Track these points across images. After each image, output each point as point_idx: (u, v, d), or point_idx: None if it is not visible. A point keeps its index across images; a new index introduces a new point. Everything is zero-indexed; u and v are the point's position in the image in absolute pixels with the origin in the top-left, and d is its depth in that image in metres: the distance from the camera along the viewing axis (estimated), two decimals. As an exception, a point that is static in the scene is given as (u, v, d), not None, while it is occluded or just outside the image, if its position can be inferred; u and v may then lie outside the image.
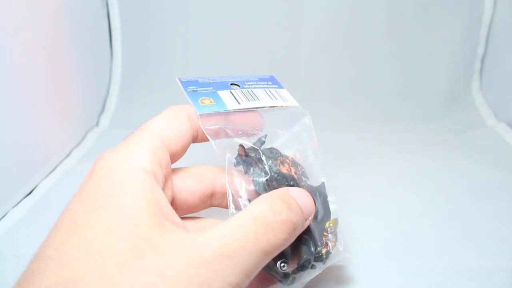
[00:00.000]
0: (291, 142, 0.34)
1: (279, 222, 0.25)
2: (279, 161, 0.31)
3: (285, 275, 0.29)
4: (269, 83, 0.36)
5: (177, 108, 0.30)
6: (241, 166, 0.32)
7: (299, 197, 0.28)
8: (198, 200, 0.31)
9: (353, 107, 0.73)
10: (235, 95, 0.33)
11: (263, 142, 0.32)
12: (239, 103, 0.33)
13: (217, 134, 0.31)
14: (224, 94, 0.33)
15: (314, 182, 0.34)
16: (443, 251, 0.40)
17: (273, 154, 0.31)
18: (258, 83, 0.36)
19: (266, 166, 0.31)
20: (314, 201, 0.30)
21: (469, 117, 0.72)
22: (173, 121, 0.29)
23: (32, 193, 0.50)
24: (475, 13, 0.74)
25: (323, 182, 0.34)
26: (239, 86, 0.35)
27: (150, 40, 0.77)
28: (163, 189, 0.27)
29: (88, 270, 0.21)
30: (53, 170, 0.55)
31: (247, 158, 0.32)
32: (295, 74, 0.75)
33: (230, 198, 0.30)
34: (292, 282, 0.30)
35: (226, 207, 0.32)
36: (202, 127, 0.30)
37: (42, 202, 0.49)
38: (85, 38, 0.69)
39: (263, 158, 0.31)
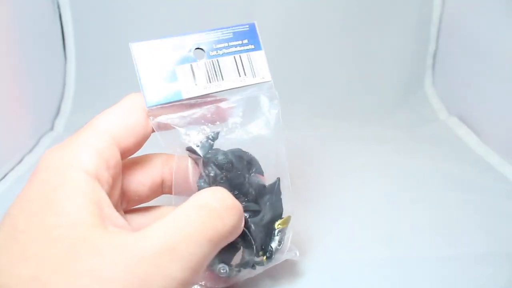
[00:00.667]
0: (253, 136, 0.32)
1: (226, 208, 0.25)
2: (225, 168, 0.30)
3: (226, 278, 0.29)
4: (244, 41, 0.32)
5: (134, 97, 0.29)
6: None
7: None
8: (148, 190, 0.31)
9: (308, 105, 0.73)
10: (195, 72, 0.30)
11: (212, 144, 0.30)
12: (197, 86, 0.30)
13: (167, 128, 0.29)
14: (181, 72, 0.30)
15: (271, 178, 0.33)
16: (397, 244, 0.41)
17: (222, 158, 0.30)
18: (230, 44, 0.32)
19: (211, 175, 0.29)
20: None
21: (422, 112, 0.74)
22: (128, 114, 0.28)
23: (-18, 201, 0.49)
24: (425, 10, 0.76)
25: (278, 179, 0.33)
26: (203, 51, 0.31)
27: (104, 41, 0.76)
28: (111, 189, 0.26)
29: (20, 276, 0.20)
30: (3, 177, 0.53)
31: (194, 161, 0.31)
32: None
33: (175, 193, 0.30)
34: (234, 279, 0.30)
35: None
36: (150, 122, 0.29)
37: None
38: (36, 41, 0.67)
39: (207, 169, 0.30)
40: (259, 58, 0.33)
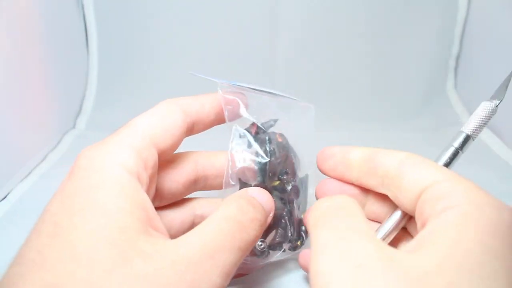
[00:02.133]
0: (292, 129, 0.35)
1: (248, 220, 0.26)
2: (281, 148, 0.33)
3: (262, 252, 0.31)
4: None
5: (170, 102, 0.30)
6: (245, 139, 0.32)
7: (258, 196, 0.29)
8: (182, 187, 0.32)
9: (331, 106, 0.73)
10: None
11: (272, 125, 0.33)
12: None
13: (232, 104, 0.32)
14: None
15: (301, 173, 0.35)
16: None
17: (278, 140, 0.33)
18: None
19: (268, 149, 0.32)
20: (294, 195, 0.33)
21: (445, 115, 0.73)
22: (165, 117, 0.28)
23: (7, 197, 0.49)
24: (450, 12, 0.75)
25: (307, 174, 0.35)
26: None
27: (126, 41, 0.76)
28: (147, 191, 0.26)
29: (74, 275, 0.20)
30: (28, 174, 0.54)
31: (255, 136, 0.33)
32: (273, 73, 0.75)
33: (229, 166, 0.32)
34: (267, 257, 0.32)
35: (210, 188, 0.33)
36: (220, 93, 0.31)
37: (17, 206, 0.48)
38: (60, 40, 0.67)
39: (267, 141, 0.32)
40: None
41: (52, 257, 0.21)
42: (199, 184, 0.33)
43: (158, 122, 0.28)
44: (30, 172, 0.55)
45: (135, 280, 0.20)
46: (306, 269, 0.31)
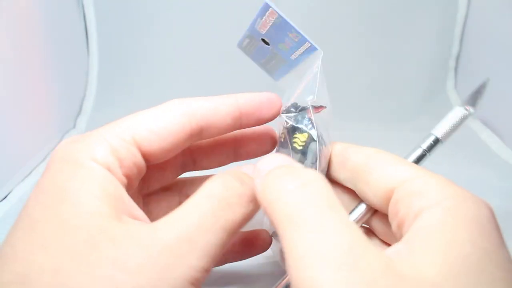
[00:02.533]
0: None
1: (233, 197, 0.24)
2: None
3: None
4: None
5: (174, 102, 0.28)
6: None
7: (252, 172, 0.26)
8: (169, 174, 0.31)
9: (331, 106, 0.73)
10: None
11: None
12: None
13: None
14: None
15: None
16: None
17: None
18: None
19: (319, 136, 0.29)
20: None
21: (444, 115, 0.73)
22: (157, 118, 0.27)
23: (7, 197, 0.49)
24: (450, 12, 0.75)
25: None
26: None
27: (126, 41, 0.76)
28: (126, 187, 0.25)
29: (43, 265, 0.20)
30: (28, 175, 0.54)
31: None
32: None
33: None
34: None
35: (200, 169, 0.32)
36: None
37: (17, 206, 0.48)
38: (61, 40, 0.67)
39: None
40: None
41: (23, 250, 0.21)
42: (187, 167, 0.32)
43: (146, 122, 0.26)
44: (30, 172, 0.55)
45: (104, 265, 0.20)
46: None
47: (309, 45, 0.32)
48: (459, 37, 0.76)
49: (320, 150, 0.29)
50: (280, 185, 0.22)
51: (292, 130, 0.30)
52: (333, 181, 0.30)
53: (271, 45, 0.33)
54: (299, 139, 0.29)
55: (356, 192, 0.28)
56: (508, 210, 0.46)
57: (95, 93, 0.75)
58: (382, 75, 0.77)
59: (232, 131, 0.30)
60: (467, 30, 0.75)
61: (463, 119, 0.32)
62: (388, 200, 0.25)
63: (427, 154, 0.30)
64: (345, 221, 0.20)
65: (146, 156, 0.26)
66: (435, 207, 0.21)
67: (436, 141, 0.31)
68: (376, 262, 0.18)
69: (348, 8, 0.74)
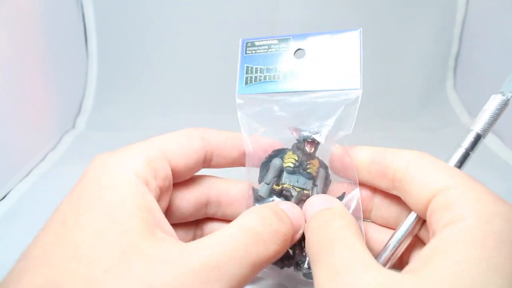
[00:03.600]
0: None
1: (269, 232, 0.25)
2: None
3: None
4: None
5: (192, 128, 0.30)
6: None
7: (289, 210, 0.27)
8: (192, 208, 0.31)
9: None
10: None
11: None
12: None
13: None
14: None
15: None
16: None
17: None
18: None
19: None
20: None
21: (444, 115, 0.73)
22: (182, 138, 0.29)
23: (6, 197, 0.49)
24: (449, 12, 0.75)
25: (344, 193, 0.32)
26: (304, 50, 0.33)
27: (125, 42, 0.76)
28: (158, 200, 0.26)
29: (74, 272, 0.20)
30: (27, 174, 0.54)
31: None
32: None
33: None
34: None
35: (220, 218, 0.32)
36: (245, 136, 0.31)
37: (16, 206, 0.48)
38: (60, 40, 0.67)
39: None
40: (353, 58, 0.32)
41: (55, 255, 0.21)
42: (210, 208, 0.32)
43: (174, 140, 0.28)
44: (29, 172, 0.55)
45: (132, 279, 0.20)
46: None
47: None
48: (458, 37, 0.76)
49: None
50: (312, 233, 0.26)
51: (308, 156, 0.31)
52: (372, 189, 0.30)
53: None
54: (314, 165, 0.31)
55: (404, 201, 0.27)
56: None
57: (94, 93, 0.75)
58: (381, 75, 0.77)
59: (237, 165, 0.32)
60: (466, 30, 0.75)
61: (503, 106, 0.28)
62: (426, 211, 0.24)
63: (470, 153, 0.27)
64: (352, 253, 0.22)
65: (173, 172, 0.28)
66: (458, 223, 0.21)
67: (478, 138, 0.27)
68: (371, 282, 0.20)
69: (347, 8, 0.74)
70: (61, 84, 0.68)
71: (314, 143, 0.31)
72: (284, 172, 0.31)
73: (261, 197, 0.31)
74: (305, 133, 0.31)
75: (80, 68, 0.75)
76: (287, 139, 0.32)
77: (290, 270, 0.31)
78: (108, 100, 0.75)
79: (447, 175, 0.24)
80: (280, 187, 0.31)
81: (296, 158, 0.31)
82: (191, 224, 0.32)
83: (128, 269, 0.21)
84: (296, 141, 0.32)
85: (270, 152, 0.32)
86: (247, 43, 0.34)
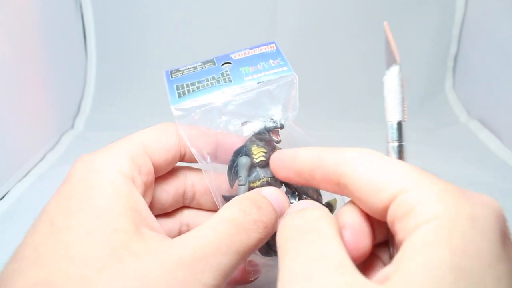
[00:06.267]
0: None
1: (249, 222, 0.25)
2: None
3: (267, 252, 0.30)
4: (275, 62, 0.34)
5: (167, 123, 0.30)
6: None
7: (271, 196, 0.28)
8: (172, 199, 0.31)
9: (329, 107, 0.73)
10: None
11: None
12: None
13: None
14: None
15: None
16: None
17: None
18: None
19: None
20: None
21: (443, 115, 0.73)
22: (160, 133, 0.29)
23: (5, 197, 0.49)
24: (448, 11, 0.75)
25: (335, 199, 0.32)
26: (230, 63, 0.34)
27: (124, 42, 0.76)
28: (143, 196, 0.26)
29: (67, 272, 0.21)
30: (26, 175, 0.54)
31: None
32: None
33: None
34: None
35: (197, 206, 0.33)
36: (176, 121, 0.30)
37: (15, 206, 0.48)
38: (59, 40, 0.67)
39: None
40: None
41: (47, 255, 0.21)
42: (186, 198, 0.33)
43: (154, 136, 0.29)
44: (28, 172, 0.55)
45: (124, 278, 0.21)
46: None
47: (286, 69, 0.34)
48: (457, 37, 0.76)
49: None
50: (286, 224, 0.24)
51: (272, 146, 0.31)
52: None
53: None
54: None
55: (357, 204, 0.24)
56: (507, 210, 0.46)
57: (93, 94, 0.75)
58: (380, 75, 0.76)
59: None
60: (465, 30, 0.76)
61: (399, 77, 0.27)
62: (385, 216, 0.22)
63: (403, 144, 0.25)
64: (327, 251, 0.21)
65: (154, 167, 0.28)
66: (423, 227, 0.20)
67: (399, 125, 0.25)
68: None
69: (346, 8, 0.74)
70: (60, 85, 0.67)
71: (278, 130, 0.31)
72: (257, 167, 0.31)
73: None
74: (269, 124, 0.31)
75: (79, 68, 0.75)
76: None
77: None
78: (107, 100, 0.75)
79: (400, 175, 0.22)
80: (259, 183, 0.31)
81: (265, 151, 0.31)
82: (169, 213, 0.33)
83: (120, 267, 0.21)
84: (253, 134, 0.31)
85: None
86: (171, 71, 0.35)
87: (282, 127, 0.31)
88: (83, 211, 0.23)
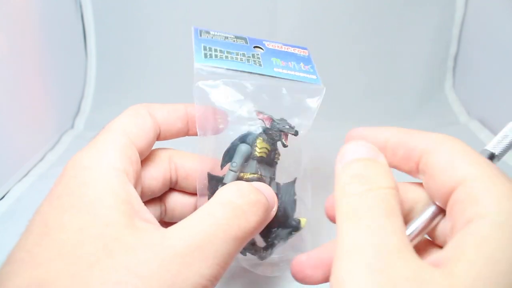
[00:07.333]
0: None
1: (249, 204, 0.25)
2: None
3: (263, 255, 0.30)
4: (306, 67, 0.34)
5: (137, 106, 0.30)
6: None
7: (261, 188, 0.27)
8: (161, 184, 0.31)
9: (329, 107, 0.73)
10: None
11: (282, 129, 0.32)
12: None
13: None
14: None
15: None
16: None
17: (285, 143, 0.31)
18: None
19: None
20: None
21: (443, 115, 0.73)
22: (136, 118, 0.29)
23: (5, 197, 0.49)
24: (448, 11, 0.75)
25: (295, 179, 0.33)
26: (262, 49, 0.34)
27: (124, 42, 0.76)
28: (135, 185, 0.26)
29: (60, 270, 0.21)
30: (26, 174, 0.54)
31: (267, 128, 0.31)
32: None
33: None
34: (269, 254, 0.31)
35: (180, 188, 0.33)
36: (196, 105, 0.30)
37: (15, 207, 0.48)
38: (59, 40, 0.67)
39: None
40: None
41: (40, 255, 0.21)
42: (171, 182, 0.32)
43: (132, 123, 0.29)
44: (28, 172, 0.55)
45: (117, 271, 0.21)
46: (331, 218, 0.28)
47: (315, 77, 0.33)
48: (457, 37, 0.76)
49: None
50: (350, 186, 0.22)
51: (275, 146, 0.32)
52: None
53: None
54: (279, 156, 0.32)
55: (425, 187, 0.25)
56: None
57: (93, 94, 0.75)
58: (380, 75, 0.76)
59: (185, 135, 0.32)
60: (465, 30, 0.75)
61: None
62: (447, 200, 0.23)
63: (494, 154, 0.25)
64: (393, 229, 0.20)
65: (138, 153, 0.28)
66: (484, 218, 0.20)
67: (492, 157, 0.25)
68: (405, 270, 0.18)
69: (345, 8, 0.74)
70: (60, 84, 0.67)
71: (288, 135, 0.31)
72: (255, 160, 0.31)
73: (222, 185, 0.30)
74: (286, 127, 0.31)
75: (79, 68, 0.75)
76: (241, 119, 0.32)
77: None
78: (107, 100, 0.75)
79: (473, 163, 0.22)
80: (249, 176, 0.30)
81: (268, 148, 0.31)
82: (156, 198, 0.33)
83: (112, 261, 0.21)
84: (265, 128, 0.31)
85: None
86: (200, 30, 0.34)
87: (296, 134, 0.31)
88: (75, 208, 0.23)
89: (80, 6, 0.74)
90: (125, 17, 0.75)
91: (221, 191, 0.25)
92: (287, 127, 0.31)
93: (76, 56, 0.75)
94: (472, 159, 0.22)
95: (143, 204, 0.25)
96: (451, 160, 0.23)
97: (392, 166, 0.26)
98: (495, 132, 0.64)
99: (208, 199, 0.28)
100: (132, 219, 0.23)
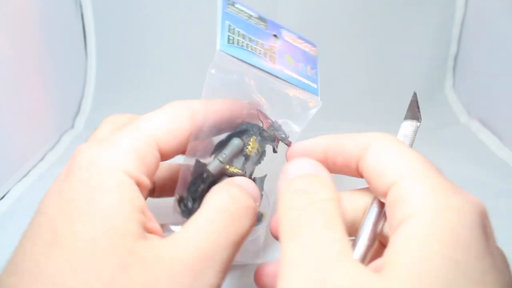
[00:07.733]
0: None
1: (241, 209, 0.25)
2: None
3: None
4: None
5: (180, 104, 0.29)
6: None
7: (245, 184, 0.27)
8: (173, 184, 0.31)
9: (328, 107, 0.73)
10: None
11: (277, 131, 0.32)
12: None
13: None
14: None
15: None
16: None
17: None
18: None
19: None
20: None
21: (443, 115, 0.73)
22: (173, 119, 0.28)
23: (5, 198, 0.49)
24: (448, 11, 0.75)
25: (265, 175, 0.33)
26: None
27: (124, 42, 0.76)
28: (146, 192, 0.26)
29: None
30: (26, 175, 0.54)
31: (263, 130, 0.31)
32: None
33: None
34: None
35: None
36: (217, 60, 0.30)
37: (15, 206, 0.48)
38: (59, 40, 0.67)
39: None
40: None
41: (50, 268, 0.20)
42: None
43: (165, 124, 0.27)
44: (28, 172, 0.55)
45: None
46: (276, 237, 0.27)
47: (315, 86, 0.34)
48: (457, 37, 0.76)
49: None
50: (292, 202, 0.23)
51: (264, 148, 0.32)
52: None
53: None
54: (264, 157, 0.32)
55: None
56: (507, 211, 0.46)
57: (93, 93, 0.75)
58: (380, 75, 0.76)
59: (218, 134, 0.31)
60: (465, 30, 0.75)
61: (416, 132, 0.30)
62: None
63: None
64: (332, 239, 0.20)
65: (161, 155, 0.27)
66: (412, 218, 0.20)
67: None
68: (344, 278, 0.19)
69: (346, 8, 0.74)
70: (60, 84, 0.67)
71: (279, 143, 0.32)
72: (242, 157, 0.31)
73: (206, 171, 0.30)
74: (282, 135, 0.31)
75: (79, 68, 0.75)
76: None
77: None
78: (107, 100, 0.75)
79: (403, 163, 0.23)
80: (234, 170, 0.31)
81: (259, 150, 0.31)
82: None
83: (129, 278, 0.20)
84: (262, 129, 0.32)
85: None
86: (228, 1, 0.33)
87: (289, 145, 0.31)
88: (87, 216, 0.21)
89: (80, 6, 0.74)
90: (125, 17, 0.75)
91: (213, 196, 0.25)
92: (283, 136, 0.31)
93: (76, 56, 0.75)
94: (402, 157, 0.23)
95: (151, 214, 0.25)
96: (381, 162, 0.23)
97: (337, 173, 0.27)
98: (495, 132, 0.64)
99: (191, 182, 0.29)
100: (144, 229, 0.23)
